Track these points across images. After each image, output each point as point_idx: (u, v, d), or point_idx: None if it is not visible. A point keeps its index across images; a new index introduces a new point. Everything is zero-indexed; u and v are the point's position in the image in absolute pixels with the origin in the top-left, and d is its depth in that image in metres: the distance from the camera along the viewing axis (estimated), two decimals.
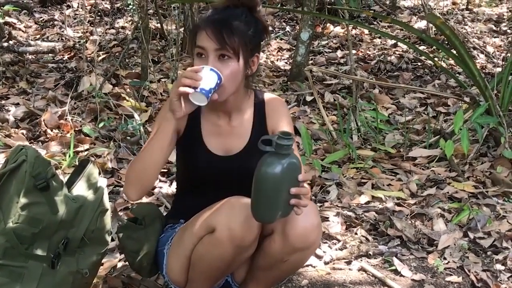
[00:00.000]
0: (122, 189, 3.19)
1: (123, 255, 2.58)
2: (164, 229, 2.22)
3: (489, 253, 2.73)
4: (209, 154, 2.11)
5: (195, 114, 2.09)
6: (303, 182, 1.81)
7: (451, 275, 2.57)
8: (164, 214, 2.38)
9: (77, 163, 3.12)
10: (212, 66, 1.90)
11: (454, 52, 3.92)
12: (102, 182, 2.27)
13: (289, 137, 1.74)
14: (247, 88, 2.13)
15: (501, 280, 2.52)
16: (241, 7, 1.98)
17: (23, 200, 2.04)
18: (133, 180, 2.02)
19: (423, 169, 3.60)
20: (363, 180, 3.43)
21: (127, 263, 2.50)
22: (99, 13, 6.40)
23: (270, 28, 6.27)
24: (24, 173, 2.06)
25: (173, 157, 3.47)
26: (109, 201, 2.33)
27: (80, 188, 2.21)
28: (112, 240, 2.62)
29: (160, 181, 3.32)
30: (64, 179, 2.25)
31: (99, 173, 2.28)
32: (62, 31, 6.13)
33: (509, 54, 5.14)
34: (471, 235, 2.82)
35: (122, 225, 2.27)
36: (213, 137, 2.13)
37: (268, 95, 2.21)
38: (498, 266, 2.62)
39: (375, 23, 6.81)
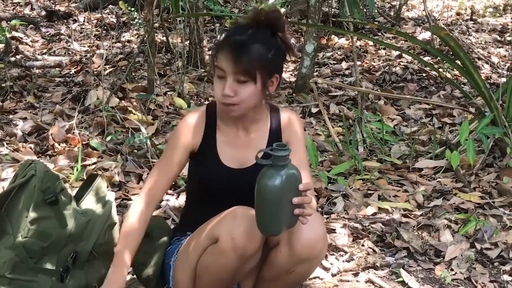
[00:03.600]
0: (130, 202, 3.21)
1: (131, 268, 2.59)
2: (171, 241, 2.23)
3: (496, 264, 2.72)
4: (222, 167, 2.13)
5: (211, 130, 2.15)
6: (305, 191, 1.82)
7: (458, 286, 2.57)
8: (172, 227, 2.39)
9: (85, 177, 3.15)
10: (229, 87, 1.97)
11: (459, 63, 3.93)
12: (111, 196, 2.30)
13: (285, 148, 1.76)
14: (265, 103, 2.18)
15: None
16: (265, 28, 2.02)
17: (32, 215, 2.07)
18: None
19: (429, 180, 3.61)
20: (369, 192, 3.44)
21: (135, 276, 2.52)
22: (105, 27, 6.45)
23: None
24: (33, 188, 2.09)
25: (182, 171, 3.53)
26: (117, 215, 2.36)
27: (89, 202, 2.24)
28: None
29: (168, 194, 3.33)
30: (73, 193, 2.27)
31: (107, 187, 2.30)
32: (69, 46, 6.17)
33: None
34: (478, 246, 2.82)
35: None
36: (229, 150, 2.15)
37: (283, 109, 2.26)
38: (506, 277, 2.62)
39: (379, 34, 6.83)
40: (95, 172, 3.18)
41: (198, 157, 2.16)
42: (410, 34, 6.17)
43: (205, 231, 2.02)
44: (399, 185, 3.56)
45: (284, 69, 2.18)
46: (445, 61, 5.00)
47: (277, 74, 2.06)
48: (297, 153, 2.18)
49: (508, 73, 5.32)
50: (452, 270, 2.67)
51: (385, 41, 6.12)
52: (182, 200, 3.25)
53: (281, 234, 1.87)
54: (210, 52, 5.42)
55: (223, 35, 2.11)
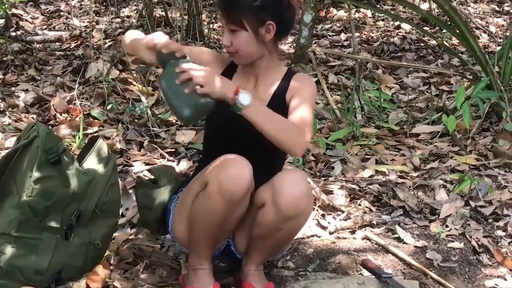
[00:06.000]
0: (131, 168, 3.26)
1: (134, 230, 2.67)
2: (178, 191, 2.32)
3: (490, 220, 2.78)
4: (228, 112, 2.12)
5: (230, 72, 2.28)
6: (183, 71, 1.96)
7: (453, 241, 2.62)
8: None
9: None
10: (225, 38, 2.17)
11: (457, 31, 3.96)
12: (112, 156, 2.35)
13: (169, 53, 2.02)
14: (279, 58, 2.28)
15: (501, 245, 2.58)
16: None
17: (36, 174, 2.12)
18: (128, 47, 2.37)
19: (426, 144, 3.66)
20: (367, 157, 3.49)
21: (138, 236, 2.59)
22: (104, 3, 6.46)
23: None
24: (36, 148, 2.14)
25: (188, 137, 3.57)
26: (119, 180, 2.41)
27: (91, 162, 2.29)
28: (123, 216, 2.70)
29: (168, 160, 3.39)
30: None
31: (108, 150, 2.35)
32: (69, 21, 6.20)
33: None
34: (473, 204, 2.88)
35: (139, 182, 2.39)
36: None
37: (299, 73, 2.33)
38: (499, 232, 2.67)
39: (378, 6, 6.84)
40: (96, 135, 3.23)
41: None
42: (409, 2, 6.17)
43: (199, 177, 2.13)
44: (396, 150, 3.61)
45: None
46: (443, 30, 5.03)
47: (271, 21, 2.12)
48: (297, 105, 2.18)
49: (504, 41, 5.35)
50: (447, 226, 2.73)
51: (383, 10, 6.13)
52: (183, 166, 3.30)
53: (196, 119, 2.07)
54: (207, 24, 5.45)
55: None
